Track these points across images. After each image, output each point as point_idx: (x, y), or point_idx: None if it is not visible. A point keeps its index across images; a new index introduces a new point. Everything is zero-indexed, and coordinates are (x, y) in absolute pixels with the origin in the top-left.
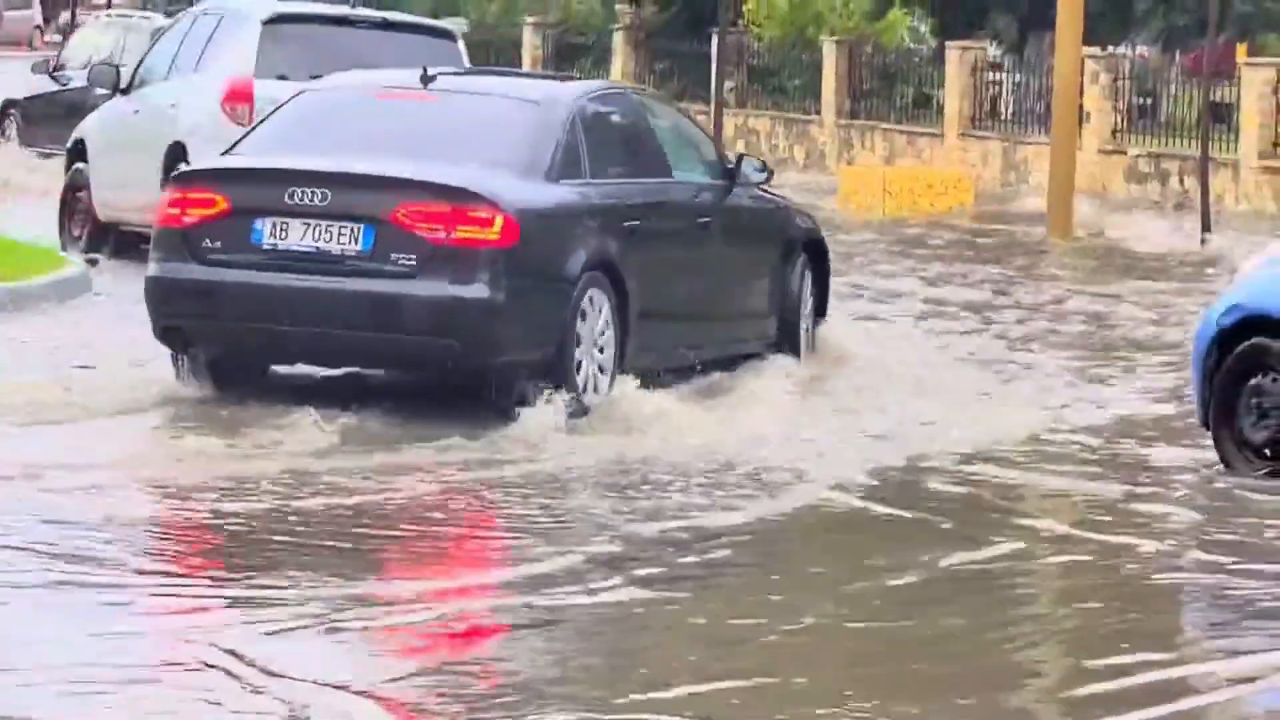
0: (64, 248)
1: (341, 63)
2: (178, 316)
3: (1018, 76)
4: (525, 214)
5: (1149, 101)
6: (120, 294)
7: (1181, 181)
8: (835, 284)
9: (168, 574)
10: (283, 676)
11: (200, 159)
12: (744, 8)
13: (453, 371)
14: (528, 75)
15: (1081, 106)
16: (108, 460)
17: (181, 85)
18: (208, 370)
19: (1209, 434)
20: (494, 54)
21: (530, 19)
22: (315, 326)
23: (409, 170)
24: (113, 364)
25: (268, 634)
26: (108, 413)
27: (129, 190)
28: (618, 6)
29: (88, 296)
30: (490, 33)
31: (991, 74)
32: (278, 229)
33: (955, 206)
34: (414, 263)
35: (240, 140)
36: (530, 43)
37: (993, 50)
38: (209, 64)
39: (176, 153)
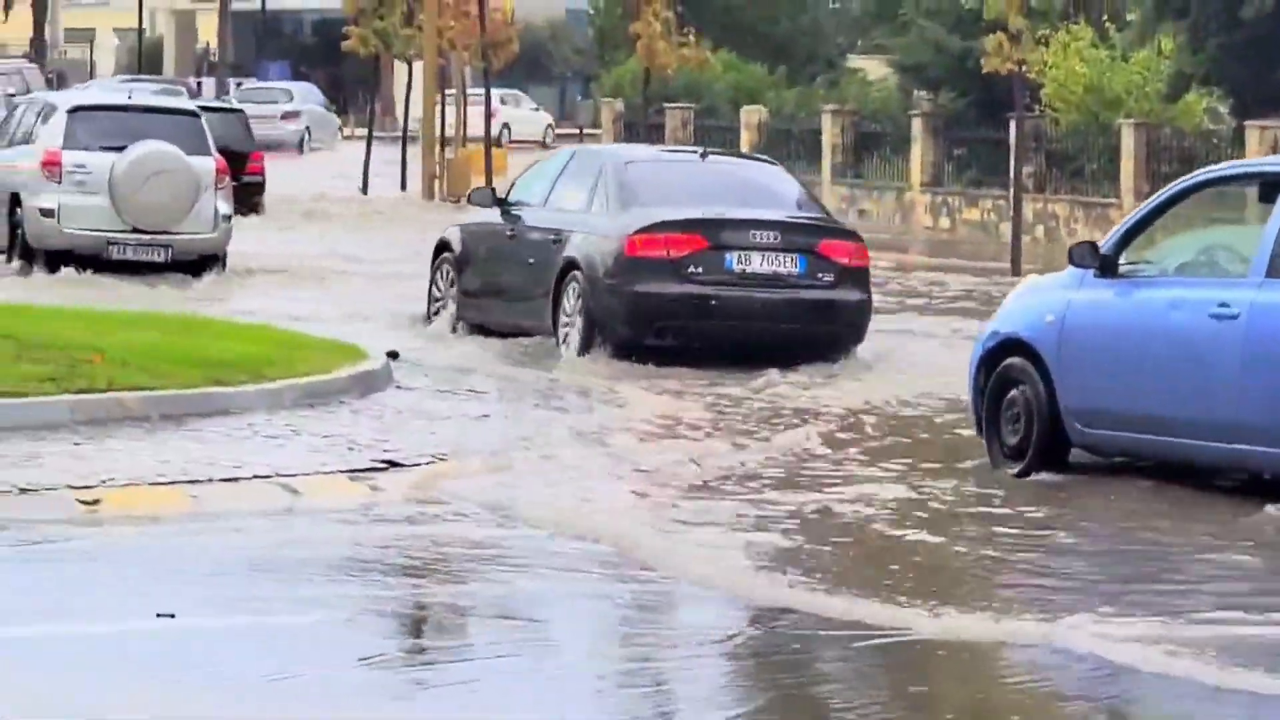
0: None
1: (126, 136)
2: (672, 318)
3: None
4: None
5: None
6: (421, 386)
7: None
8: None
9: None
10: None
11: (35, 202)
12: (1041, 93)
13: (835, 349)
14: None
15: None
16: None
17: (17, 153)
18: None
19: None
20: (794, 142)
21: (829, 107)
22: (773, 323)
23: (825, 218)
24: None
25: None
26: None
27: None
28: (915, 94)
29: (391, 390)
30: (789, 121)
31: None
32: (743, 258)
33: None
34: (832, 279)
35: (636, 201)
36: (829, 131)
37: None
38: (33, 138)
39: (15, 198)
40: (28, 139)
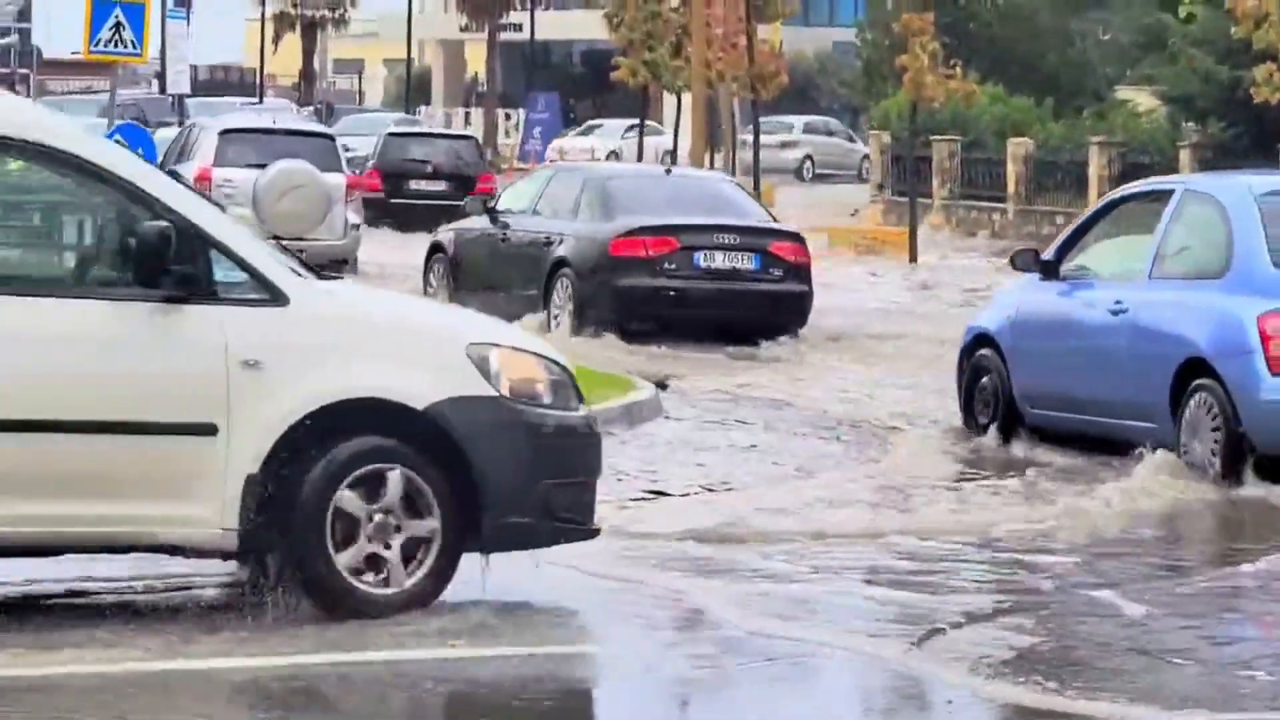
0: None
1: (268, 155)
2: (658, 307)
3: None
4: None
5: None
6: (689, 417)
7: None
8: None
9: None
10: None
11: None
12: None
13: (784, 331)
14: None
15: None
16: None
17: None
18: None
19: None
20: (1060, 174)
21: (1095, 139)
22: (735, 310)
23: (773, 223)
24: None
25: None
26: None
27: None
28: (1183, 125)
29: (659, 420)
30: (1055, 154)
31: None
32: (708, 256)
33: None
34: (781, 274)
35: (616, 210)
36: (1096, 162)
37: None
38: (191, 157)
39: None
40: (190, 157)
